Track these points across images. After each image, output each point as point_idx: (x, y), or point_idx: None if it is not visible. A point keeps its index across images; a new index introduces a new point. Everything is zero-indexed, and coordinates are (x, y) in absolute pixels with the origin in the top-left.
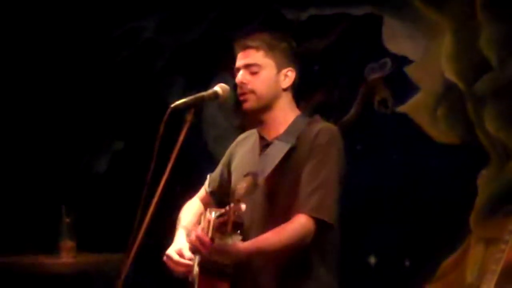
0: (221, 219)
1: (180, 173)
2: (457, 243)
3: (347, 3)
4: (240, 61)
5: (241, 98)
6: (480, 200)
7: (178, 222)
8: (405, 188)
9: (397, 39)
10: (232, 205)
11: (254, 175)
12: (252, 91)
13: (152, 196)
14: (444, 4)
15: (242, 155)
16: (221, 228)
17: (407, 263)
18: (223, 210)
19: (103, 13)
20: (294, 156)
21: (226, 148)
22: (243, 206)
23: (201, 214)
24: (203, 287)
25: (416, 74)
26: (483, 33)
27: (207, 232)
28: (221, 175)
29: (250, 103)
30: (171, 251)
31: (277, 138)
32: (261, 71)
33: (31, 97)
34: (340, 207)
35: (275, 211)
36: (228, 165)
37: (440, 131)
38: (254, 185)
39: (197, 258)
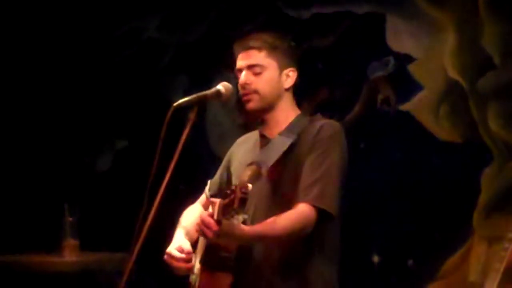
0: (226, 200)
1: (183, 172)
2: (460, 242)
3: (350, 1)
4: (242, 61)
5: (245, 98)
6: (483, 198)
7: (178, 224)
8: (408, 187)
9: (400, 37)
10: (238, 184)
11: (258, 164)
12: (256, 92)
13: (155, 195)
14: (446, 1)
15: (242, 155)
16: (227, 208)
17: (410, 262)
18: (228, 192)
19: (106, 12)
20: (296, 150)
21: (229, 146)
22: (249, 185)
23: (201, 214)
24: (206, 281)
25: (419, 72)
26: (486, 31)
27: (213, 215)
28: (221, 178)
29: (253, 103)
30: (171, 249)
31: (279, 134)
32: (264, 72)
33: (34, 96)
34: (343, 205)
35: (278, 201)
36: (228, 167)
37: (443, 129)
38: (258, 174)
39: (198, 256)
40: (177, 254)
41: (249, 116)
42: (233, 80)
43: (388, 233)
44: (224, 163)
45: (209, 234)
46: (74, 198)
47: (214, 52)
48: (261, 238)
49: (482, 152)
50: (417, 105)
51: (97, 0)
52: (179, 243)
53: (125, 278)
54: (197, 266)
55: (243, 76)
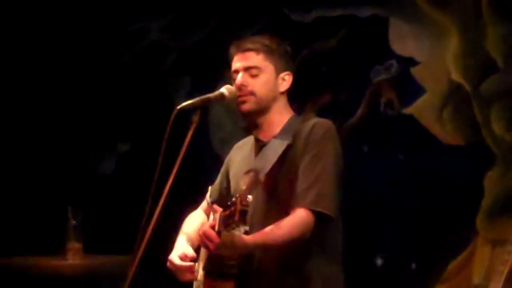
0: (227, 212)
1: (186, 174)
2: (463, 245)
3: (353, 4)
4: (239, 63)
5: (240, 99)
6: (486, 201)
7: (180, 230)
8: (411, 190)
9: (403, 40)
10: (238, 195)
11: (255, 171)
12: (252, 93)
13: (159, 197)
14: (450, 5)
15: (239, 160)
16: (228, 220)
17: (413, 265)
18: (228, 203)
19: (109, 14)
20: (290, 152)
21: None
22: (249, 197)
23: (203, 224)
24: None
25: (422, 75)
26: (489, 34)
27: (214, 226)
28: (221, 184)
29: (248, 105)
30: (173, 256)
31: (273, 137)
32: (261, 74)
33: (37, 98)
34: (347, 208)
35: (275, 206)
36: (226, 174)
37: (446, 132)
38: (256, 181)
39: (201, 263)
40: (178, 262)
41: (244, 119)
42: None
43: (391, 236)
44: (223, 169)
45: (211, 246)
46: (78, 201)
47: (217, 55)
48: (262, 247)
49: (486, 155)
50: (420, 108)
51: (100, 2)
52: (181, 249)
53: (128, 281)
54: (200, 272)
55: (240, 78)
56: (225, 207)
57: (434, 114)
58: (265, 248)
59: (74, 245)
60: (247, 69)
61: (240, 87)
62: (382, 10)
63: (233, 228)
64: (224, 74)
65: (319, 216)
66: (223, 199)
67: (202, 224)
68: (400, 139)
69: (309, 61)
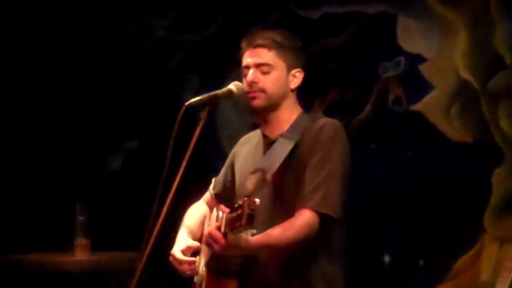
0: (234, 214)
1: (194, 171)
2: (471, 242)
3: (361, 1)
4: (250, 59)
5: (251, 95)
6: (494, 198)
7: (182, 223)
8: (419, 187)
9: (411, 37)
10: (245, 199)
11: (263, 171)
12: (263, 90)
13: (167, 194)
14: (458, 1)
15: (245, 155)
16: (235, 222)
17: (421, 262)
18: (236, 205)
19: (117, 11)
20: (298, 152)
21: None
22: (257, 200)
23: (205, 216)
24: (212, 287)
25: (430, 72)
26: (497, 31)
27: (220, 228)
28: (225, 177)
29: (259, 101)
30: (176, 251)
31: (281, 135)
32: (272, 71)
33: (45, 95)
34: (354, 205)
35: (282, 206)
36: (231, 166)
37: (454, 129)
38: (263, 181)
39: (203, 259)
40: (180, 256)
41: (254, 115)
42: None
43: (399, 233)
44: (228, 162)
45: (217, 248)
46: (86, 197)
47: (225, 51)
48: (267, 249)
49: (494, 152)
50: (428, 105)
51: (107, 0)
52: (184, 243)
53: (136, 277)
54: (202, 268)
55: (251, 74)
56: (232, 208)
57: (442, 111)
58: (270, 249)
59: (82, 241)
60: (258, 65)
61: (251, 84)
62: (390, 6)
63: (240, 231)
64: (231, 70)
65: (324, 218)
66: (227, 191)
67: (208, 225)
68: (407, 136)
69: (317, 58)
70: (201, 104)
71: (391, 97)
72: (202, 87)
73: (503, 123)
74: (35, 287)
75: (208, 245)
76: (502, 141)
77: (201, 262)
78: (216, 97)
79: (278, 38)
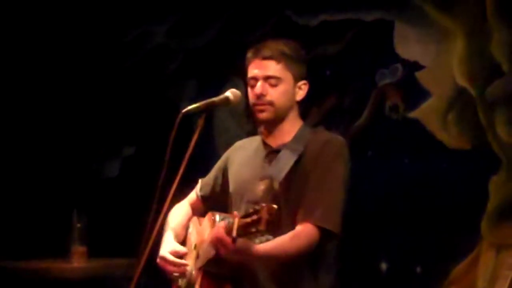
0: (249, 219)
1: (191, 178)
2: (468, 249)
3: (358, 8)
4: (258, 70)
5: (258, 108)
6: (491, 205)
7: (166, 224)
8: (416, 194)
9: (408, 44)
10: (264, 205)
11: (271, 178)
12: (271, 103)
13: (163, 201)
14: (455, 9)
15: (242, 160)
16: (250, 227)
17: (418, 269)
18: (250, 210)
19: (115, 17)
20: (302, 163)
21: None
22: (275, 206)
23: (189, 218)
24: None
25: (427, 80)
26: (494, 38)
27: (231, 232)
28: (215, 180)
29: (267, 114)
30: (165, 253)
31: (284, 145)
32: (280, 84)
33: (42, 102)
34: (351, 212)
35: (288, 214)
36: (224, 170)
37: (451, 137)
38: (271, 188)
39: (190, 260)
40: (171, 258)
41: (259, 126)
42: (242, 86)
43: (396, 240)
44: (219, 165)
45: (224, 251)
46: (82, 204)
47: (223, 58)
48: (272, 259)
49: (491, 159)
50: (425, 113)
51: (106, 5)
52: (172, 247)
53: (133, 284)
54: (191, 271)
55: (259, 87)
56: (246, 214)
57: (439, 118)
58: (274, 259)
59: (79, 249)
60: (267, 78)
61: (259, 96)
62: (387, 14)
63: (256, 236)
64: (229, 77)
65: (324, 232)
66: (215, 194)
67: (217, 227)
68: (405, 143)
69: (314, 65)
70: (198, 111)
71: (388, 104)
72: (200, 94)
73: (500, 130)
74: None
75: (216, 248)
76: (499, 148)
77: (193, 265)
78: (213, 104)
79: (286, 50)
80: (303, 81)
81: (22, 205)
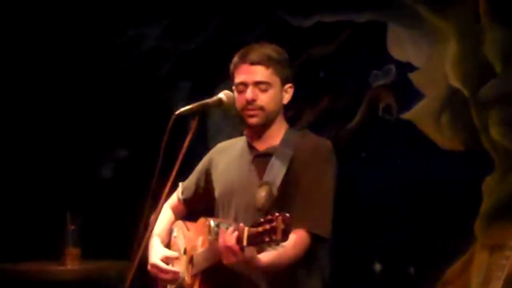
0: (260, 229)
1: (184, 180)
2: (462, 250)
3: (351, 10)
4: (248, 76)
5: (249, 113)
6: (484, 206)
7: (149, 229)
8: (409, 195)
9: (402, 45)
10: (277, 214)
11: (269, 184)
12: (261, 108)
13: (157, 203)
14: (448, 10)
15: (227, 163)
16: (262, 237)
17: (411, 270)
18: (262, 220)
19: (108, 19)
20: (292, 169)
21: None
22: (288, 215)
23: (172, 222)
24: None
25: (421, 81)
26: (487, 39)
27: (241, 241)
28: (197, 183)
29: (257, 119)
30: (156, 260)
31: (272, 148)
32: (270, 89)
33: (36, 104)
34: (345, 214)
35: None
36: (207, 172)
37: (444, 138)
38: (271, 194)
39: (190, 268)
40: (163, 266)
41: (248, 130)
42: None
43: (390, 241)
44: (201, 167)
45: (233, 260)
46: (76, 206)
47: (216, 60)
48: (273, 267)
49: (484, 160)
50: (419, 114)
51: (99, 7)
52: (162, 253)
53: (127, 286)
54: (181, 276)
55: (250, 93)
56: (257, 223)
57: (432, 120)
58: (276, 267)
59: (72, 250)
60: (256, 83)
61: (249, 102)
62: (380, 15)
63: (270, 245)
64: (222, 79)
65: (315, 238)
66: (197, 197)
67: (227, 235)
68: (398, 145)
69: (307, 66)
70: (191, 113)
71: (381, 105)
72: (193, 96)
73: (493, 131)
74: None
75: (223, 256)
76: (492, 149)
77: (186, 271)
78: (206, 106)
79: (273, 54)
80: (289, 84)
81: (16, 206)
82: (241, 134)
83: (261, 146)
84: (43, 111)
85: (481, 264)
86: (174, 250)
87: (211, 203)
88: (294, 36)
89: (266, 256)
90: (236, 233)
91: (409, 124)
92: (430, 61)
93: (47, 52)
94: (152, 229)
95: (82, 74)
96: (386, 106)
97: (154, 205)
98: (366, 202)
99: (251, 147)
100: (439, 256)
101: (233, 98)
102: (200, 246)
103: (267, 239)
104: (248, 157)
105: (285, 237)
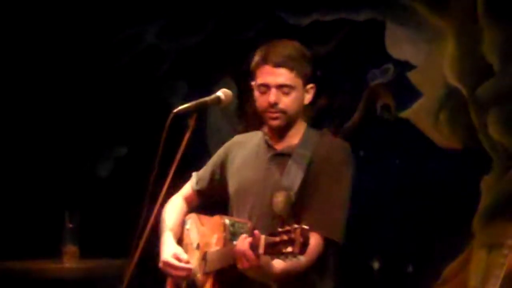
0: (277, 239)
1: (183, 178)
2: (460, 248)
3: (349, 8)
4: (271, 78)
5: (271, 115)
6: (482, 204)
7: (162, 222)
8: (407, 193)
9: (400, 44)
10: (296, 226)
11: (287, 190)
12: (284, 111)
13: (155, 201)
14: (446, 9)
15: (243, 159)
16: (280, 247)
17: (410, 268)
18: (280, 230)
19: (106, 18)
20: (310, 170)
21: None
22: (306, 227)
23: (184, 213)
24: None
25: (419, 80)
26: (485, 38)
27: (257, 247)
28: (212, 174)
29: (279, 122)
30: (168, 257)
31: (290, 148)
32: (292, 92)
33: (34, 102)
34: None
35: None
36: (222, 165)
37: (442, 136)
38: (289, 200)
39: (203, 265)
40: (175, 263)
41: (270, 131)
42: (233, 86)
43: (388, 239)
44: (217, 159)
45: (246, 265)
46: (74, 204)
47: (214, 58)
48: (287, 275)
49: (482, 158)
50: (417, 112)
51: (96, 6)
52: (173, 250)
53: (125, 284)
54: (198, 275)
55: (273, 96)
56: (275, 233)
57: (430, 118)
58: (290, 275)
59: (70, 249)
60: (279, 86)
61: (272, 105)
62: (378, 14)
63: (287, 257)
64: (220, 77)
65: (329, 243)
66: (211, 189)
67: (242, 240)
68: (396, 143)
69: None
70: (189, 111)
71: (379, 104)
72: (191, 94)
73: (492, 130)
74: None
75: (237, 261)
76: (491, 147)
77: (198, 267)
78: (204, 104)
79: (296, 54)
80: (311, 85)
81: (14, 204)
82: (239, 132)
83: (279, 145)
84: (42, 109)
85: (479, 263)
86: (186, 243)
87: (225, 196)
88: (292, 35)
89: (281, 264)
90: (250, 239)
91: (407, 123)
92: (428, 60)
93: (45, 50)
94: (164, 220)
95: (80, 73)
96: (384, 105)
97: (153, 203)
98: (365, 200)
99: (269, 145)
100: (437, 254)
101: (231, 96)
102: (214, 244)
103: (283, 250)
104: (265, 155)
105: (303, 250)
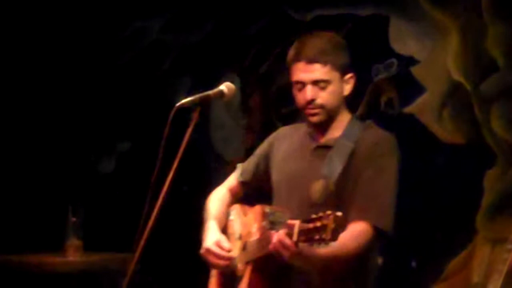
0: (311, 225)
1: (187, 173)
2: (463, 243)
3: (353, 3)
4: (305, 74)
5: (310, 112)
6: (486, 200)
7: (206, 212)
8: (411, 188)
9: (404, 39)
10: (329, 212)
11: (326, 179)
12: (322, 106)
13: (158, 196)
14: (450, 4)
15: (286, 151)
16: (312, 234)
17: (413, 264)
18: (314, 217)
19: (109, 14)
20: (353, 161)
21: (233, 148)
22: (339, 214)
23: (228, 204)
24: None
25: (422, 75)
26: (489, 33)
27: (291, 235)
28: (257, 166)
29: (319, 117)
30: (210, 244)
31: (334, 140)
32: (329, 86)
33: (38, 98)
34: None
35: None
36: (266, 157)
37: (446, 131)
38: (327, 189)
39: (243, 254)
40: (217, 251)
41: (310, 126)
42: (237, 81)
43: (391, 234)
44: (261, 151)
45: (287, 254)
46: (78, 199)
47: (217, 54)
48: (333, 260)
49: (486, 154)
50: (421, 108)
51: (100, 2)
52: (216, 238)
53: (128, 278)
54: (239, 265)
55: (309, 92)
56: (309, 219)
57: (434, 113)
58: (336, 260)
59: (74, 243)
60: (315, 82)
61: (309, 102)
62: (382, 9)
63: (319, 244)
64: (224, 73)
65: (378, 233)
66: (255, 181)
67: (281, 234)
68: (400, 138)
69: None
70: (192, 104)
71: (383, 99)
72: (194, 89)
73: (495, 125)
74: None
75: (278, 252)
76: (494, 142)
77: (240, 256)
78: (207, 97)
79: (329, 47)
80: (350, 74)
81: (18, 199)
82: (242, 127)
83: (322, 137)
84: (46, 105)
85: (483, 258)
86: (229, 233)
87: (268, 187)
88: (296, 30)
89: (324, 251)
90: (286, 229)
91: (411, 118)
92: (432, 55)
93: (49, 46)
94: (208, 209)
95: (84, 68)
96: (388, 100)
97: (156, 198)
98: None
99: (312, 137)
100: (441, 249)
101: (234, 90)
102: (254, 233)
103: (316, 237)
104: (308, 147)
105: (334, 237)
